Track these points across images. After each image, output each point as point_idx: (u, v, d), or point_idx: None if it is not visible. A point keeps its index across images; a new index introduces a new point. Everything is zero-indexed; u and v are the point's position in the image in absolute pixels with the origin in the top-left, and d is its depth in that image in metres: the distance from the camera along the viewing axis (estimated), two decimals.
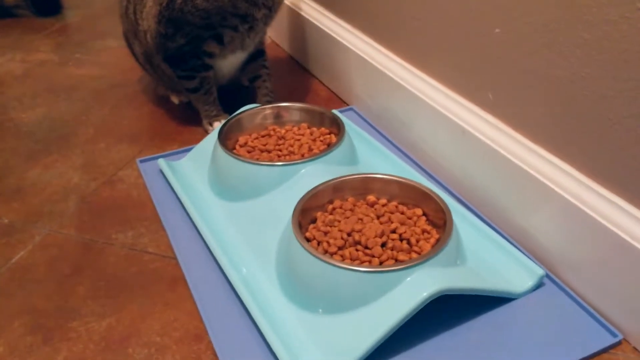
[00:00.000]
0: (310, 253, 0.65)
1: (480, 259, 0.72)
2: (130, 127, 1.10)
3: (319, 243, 0.70)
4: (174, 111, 1.14)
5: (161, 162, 0.93)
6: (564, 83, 0.65)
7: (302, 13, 1.25)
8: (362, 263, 0.66)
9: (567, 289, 0.69)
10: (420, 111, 0.89)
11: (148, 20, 0.97)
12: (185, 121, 1.10)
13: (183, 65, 1.00)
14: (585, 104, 0.63)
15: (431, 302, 0.60)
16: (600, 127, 0.62)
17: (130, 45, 1.11)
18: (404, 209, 0.75)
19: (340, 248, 0.68)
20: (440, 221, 0.71)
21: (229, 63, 1.05)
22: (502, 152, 0.75)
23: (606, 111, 0.61)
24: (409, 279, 0.62)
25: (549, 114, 0.69)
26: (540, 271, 0.70)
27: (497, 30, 0.73)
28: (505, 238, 0.75)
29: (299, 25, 1.27)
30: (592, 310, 0.66)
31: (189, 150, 0.98)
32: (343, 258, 0.67)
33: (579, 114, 0.65)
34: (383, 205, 0.76)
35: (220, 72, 1.06)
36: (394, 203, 0.76)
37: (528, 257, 0.72)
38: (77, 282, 0.75)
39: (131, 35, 1.07)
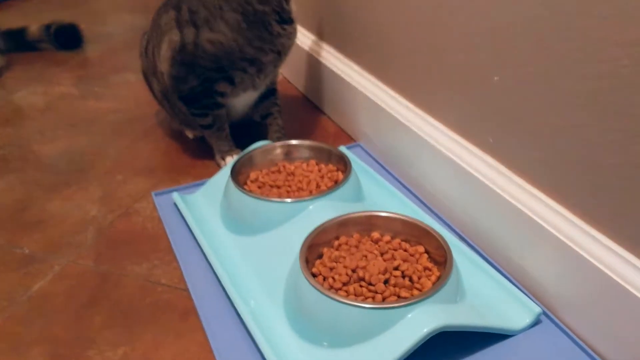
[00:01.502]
0: (316, 289, 0.68)
1: (479, 295, 0.75)
2: (147, 160, 1.15)
3: (324, 278, 0.73)
4: (189, 145, 1.19)
5: (175, 196, 0.97)
6: (559, 130, 0.69)
7: (314, 54, 1.30)
8: (365, 299, 0.70)
9: (564, 326, 0.71)
10: (424, 151, 0.93)
11: (163, 63, 1.03)
12: (199, 155, 1.15)
13: (196, 104, 1.05)
14: (579, 151, 0.67)
15: (431, 337, 0.63)
16: (592, 172, 0.66)
17: (148, 82, 1.16)
18: (407, 246, 0.79)
19: (345, 284, 0.71)
20: (441, 258, 0.75)
21: (241, 101, 1.10)
22: (501, 192, 0.78)
23: (598, 158, 0.64)
24: (410, 315, 0.65)
25: (545, 158, 0.72)
26: (537, 309, 0.72)
27: (496, 78, 0.77)
28: (503, 275, 0.78)
29: (312, 64, 1.32)
30: (588, 350, 0.68)
31: (202, 184, 1.02)
32: (348, 294, 0.70)
33: (573, 160, 0.68)
34: (387, 242, 0.79)
35: (233, 110, 1.11)
36: (398, 240, 0.79)
37: (525, 295, 0.74)
38: (94, 312, 0.78)
39: (150, 73, 1.12)
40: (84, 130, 1.27)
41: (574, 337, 0.70)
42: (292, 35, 1.04)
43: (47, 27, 1.70)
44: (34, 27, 1.71)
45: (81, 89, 1.48)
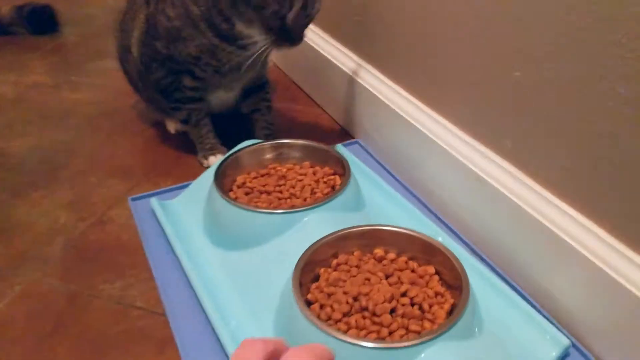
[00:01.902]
0: (312, 323, 0.58)
1: (498, 323, 0.65)
2: (124, 159, 1.04)
3: (321, 306, 0.63)
4: (170, 140, 1.09)
5: (154, 202, 0.87)
6: (593, 137, 0.59)
7: (309, 41, 1.19)
8: (369, 333, 0.60)
9: None
10: (432, 153, 0.83)
11: (133, 46, 0.94)
12: (182, 152, 1.05)
13: (169, 98, 0.95)
14: (616, 162, 0.57)
15: None
16: (631, 187, 0.56)
17: (123, 63, 1.05)
18: (415, 265, 0.69)
19: (345, 314, 0.62)
20: (455, 281, 0.65)
21: (218, 98, 0.99)
22: (521, 204, 0.69)
23: (636, 170, 0.55)
24: (423, 355, 0.56)
25: (575, 168, 0.63)
26: (565, 341, 0.63)
27: (517, 73, 0.67)
28: (525, 299, 0.69)
29: (305, 52, 1.21)
30: None
31: (184, 187, 0.92)
32: (348, 326, 0.61)
33: (609, 172, 0.59)
34: (392, 261, 0.70)
35: (213, 104, 1.00)
36: (404, 258, 0.70)
37: (551, 323, 0.65)
38: (58, 341, 0.69)
39: (126, 50, 1.00)
40: (56, 124, 1.17)
41: None
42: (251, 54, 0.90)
43: (19, 8, 1.58)
44: (5, 9, 1.58)
45: (55, 77, 1.37)
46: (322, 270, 0.69)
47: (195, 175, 0.91)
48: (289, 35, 0.84)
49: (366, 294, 0.64)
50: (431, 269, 0.68)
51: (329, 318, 0.62)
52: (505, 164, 0.72)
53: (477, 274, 0.70)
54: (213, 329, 0.68)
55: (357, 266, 0.69)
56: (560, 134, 0.63)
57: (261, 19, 0.81)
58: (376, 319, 0.61)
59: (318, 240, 0.70)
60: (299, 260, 0.67)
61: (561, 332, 0.64)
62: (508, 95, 0.69)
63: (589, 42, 0.57)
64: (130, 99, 1.22)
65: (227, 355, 0.64)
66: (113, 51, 1.08)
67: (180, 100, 0.95)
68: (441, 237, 0.77)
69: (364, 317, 0.62)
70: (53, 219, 0.90)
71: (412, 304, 0.64)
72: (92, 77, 1.37)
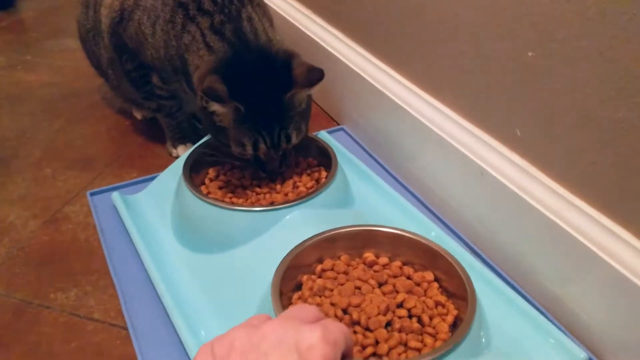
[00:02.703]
0: None
1: (508, 336, 0.58)
2: (84, 148, 0.95)
3: None
4: (137, 128, 0.99)
5: (115, 197, 0.78)
6: (620, 127, 0.52)
7: (286, 15, 1.09)
8: (363, 350, 0.52)
9: None
10: (428, 142, 0.75)
11: (104, 32, 0.84)
12: (149, 140, 0.96)
13: (139, 89, 0.86)
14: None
15: None
16: None
17: (88, 49, 0.94)
18: (411, 271, 0.61)
19: None
20: (457, 289, 0.58)
21: (192, 100, 0.89)
22: (531, 202, 0.61)
23: None
24: None
25: (597, 162, 0.55)
26: (582, 355, 0.56)
27: (530, 53, 0.58)
28: (538, 309, 0.61)
29: (285, 29, 1.11)
30: None
31: (150, 179, 0.83)
32: None
33: (632, 165, 0.51)
34: (384, 266, 0.62)
35: (185, 102, 0.89)
36: (397, 263, 0.62)
37: (566, 336, 0.58)
38: None
39: (97, 35, 0.89)
40: (8, 109, 1.07)
41: None
42: None
43: None
44: None
45: (10, 57, 1.27)
46: (304, 277, 0.60)
47: (163, 166, 0.82)
48: (263, 167, 0.73)
49: (357, 306, 0.56)
50: (430, 275, 0.61)
51: None
52: (514, 156, 0.65)
53: (481, 280, 0.62)
54: (181, 343, 0.59)
55: (345, 272, 0.61)
56: (577, 123, 0.56)
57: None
58: (370, 335, 0.53)
59: (301, 243, 0.61)
60: (279, 266, 0.59)
61: (577, 345, 0.57)
62: (519, 78, 0.61)
63: (617, 20, 0.49)
64: (92, 82, 1.11)
65: None
66: (74, 29, 0.97)
67: (152, 94, 0.85)
68: (434, 232, 0.69)
69: (355, 332, 0.54)
70: (0, 216, 0.79)
71: (410, 316, 0.56)
72: (50, 57, 1.26)
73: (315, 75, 0.68)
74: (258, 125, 0.68)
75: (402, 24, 0.78)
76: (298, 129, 0.71)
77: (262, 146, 0.69)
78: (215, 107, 0.67)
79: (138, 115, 1.00)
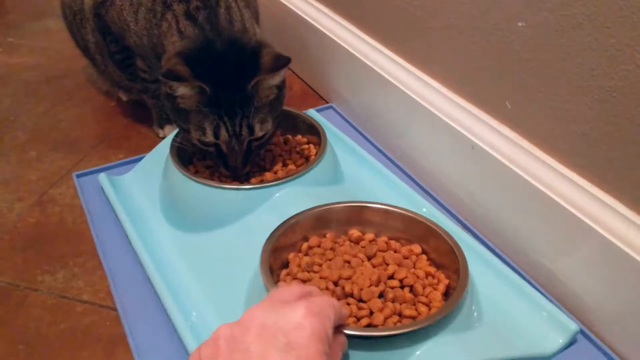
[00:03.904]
0: None
1: (499, 309, 0.58)
2: (69, 130, 0.93)
3: None
4: (122, 110, 0.98)
5: (102, 178, 0.77)
6: (613, 96, 0.51)
7: None
8: (358, 321, 0.52)
9: (605, 348, 0.57)
10: (417, 118, 0.74)
11: (87, 12, 0.82)
12: (135, 122, 0.94)
13: (125, 70, 0.85)
14: (633, 126, 0.49)
15: None
16: None
17: (75, 32, 0.92)
18: (397, 245, 0.61)
19: None
20: (445, 260, 0.58)
21: None
22: (522, 174, 0.61)
23: None
24: (418, 352, 0.48)
25: (589, 133, 0.55)
26: (573, 326, 0.57)
27: (521, 23, 0.57)
28: (528, 282, 0.61)
29: (270, 7, 1.10)
30: None
31: (137, 160, 0.81)
32: None
33: (629, 136, 0.51)
34: (371, 242, 0.61)
35: None
36: (384, 238, 0.62)
37: (558, 308, 0.58)
38: None
39: (84, 19, 0.88)
40: None
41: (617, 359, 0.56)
42: None
43: None
44: None
45: None
46: (291, 255, 0.60)
47: (149, 147, 0.81)
48: (225, 162, 0.69)
49: (348, 278, 0.55)
50: (417, 248, 0.61)
51: None
52: (504, 129, 0.64)
53: (473, 254, 0.62)
54: (171, 324, 0.58)
55: (332, 249, 0.60)
56: (570, 93, 0.55)
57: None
58: (363, 305, 0.53)
59: (291, 218, 0.61)
60: (265, 243, 0.59)
61: (569, 318, 0.57)
62: (509, 49, 0.60)
63: None
64: (76, 63, 1.09)
65: (187, 353, 0.55)
66: (56, 10, 0.95)
67: (135, 76, 0.84)
68: (425, 209, 0.68)
69: (348, 304, 0.53)
70: None
71: (402, 287, 0.56)
72: (32, 39, 1.24)
73: (281, 62, 0.66)
74: (221, 110, 0.65)
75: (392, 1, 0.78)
76: (263, 121, 0.67)
77: (223, 132, 0.66)
78: (180, 89, 0.64)
79: (124, 97, 0.99)
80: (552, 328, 0.57)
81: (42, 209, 0.77)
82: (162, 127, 0.89)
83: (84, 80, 1.07)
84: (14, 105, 1.00)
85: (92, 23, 0.82)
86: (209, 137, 0.66)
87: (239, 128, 0.66)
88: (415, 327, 0.49)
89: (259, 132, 0.67)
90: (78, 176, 0.80)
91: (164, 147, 0.76)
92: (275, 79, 0.67)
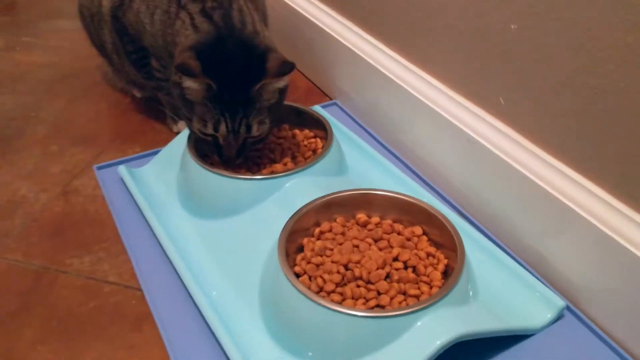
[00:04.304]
0: (304, 294, 0.55)
1: (493, 288, 0.63)
2: (87, 126, 0.98)
3: (311, 278, 0.60)
4: (137, 106, 1.02)
5: (122, 170, 0.82)
6: (595, 93, 0.56)
7: None
8: (367, 302, 0.57)
9: (589, 322, 0.62)
10: (418, 113, 0.80)
11: (104, 14, 0.87)
12: (150, 118, 0.99)
13: (140, 69, 0.90)
14: (620, 119, 0.55)
15: None
16: (635, 146, 0.54)
17: (92, 32, 0.97)
18: (401, 227, 0.66)
19: (338, 284, 0.59)
20: (445, 241, 0.63)
21: None
22: (515, 165, 0.66)
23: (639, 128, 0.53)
24: (419, 323, 0.54)
25: (574, 126, 0.60)
26: (560, 302, 0.62)
27: (513, 26, 0.63)
28: (520, 264, 0.67)
29: (278, 8, 1.15)
30: (616, 346, 0.60)
31: (154, 153, 0.86)
32: (343, 297, 0.57)
33: (611, 129, 0.56)
34: (377, 225, 0.67)
35: None
36: (388, 221, 0.67)
37: (546, 286, 0.64)
38: (24, 322, 0.64)
39: (101, 20, 0.92)
40: (10, 89, 1.09)
41: (601, 333, 0.61)
42: None
43: None
44: None
45: (6, 38, 1.28)
46: (305, 240, 0.65)
47: (164, 141, 0.85)
48: (220, 152, 0.74)
49: (357, 262, 0.60)
50: (418, 230, 0.66)
51: (321, 289, 0.58)
52: (499, 124, 0.69)
53: (468, 238, 0.68)
54: (193, 302, 0.64)
55: (342, 233, 0.65)
56: (558, 90, 0.60)
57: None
58: (372, 287, 0.58)
59: (302, 207, 0.66)
60: (283, 229, 0.63)
61: (557, 295, 0.63)
62: (503, 50, 0.65)
63: None
64: (89, 62, 1.14)
65: (209, 328, 0.60)
66: (68, 10, 1.01)
67: (150, 75, 0.89)
68: (425, 199, 0.74)
69: (358, 286, 0.58)
70: (12, 191, 0.83)
71: (406, 267, 0.61)
72: (46, 38, 1.27)
73: (286, 68, 0.70)
74: (224, 106, 0.70)
75: (395, 3, 0.82)
76: (261, 122, 0.71)
77: (222, 127, 0.70)
78: (188, 82, 0.69)
79: (138, 94, 1.03)
80: (541, 304, 0.62)
81: (67, 199, 0.81)
82: (176, 123, 0.94)
83: (98, 78, 1.11)
84: (33, 101, 1.04)
85: (110, 24, 0.87)
86: (209, 130, 0.71)
87: (238, 126, 0.71)
88: (417, 308, 0.54)
89: (255, 132, 0.72)
90: (98, 168, 0.85)
91: (179, 141, 0.81)
92: (280, 84, 0.71)
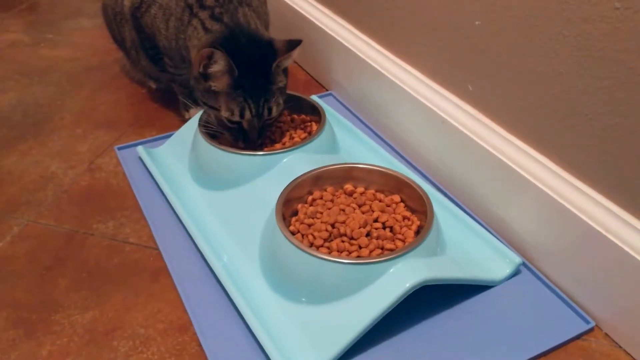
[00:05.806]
0: (297, 246, 0.65)
1: (459, 246, 0.73)
2: (108, 113, 1.08)
3: (303, 236, 0.70)
4: (152, 96, 1.13)
5: (140, 150, 0.92)
6: (543, 78, 0.66)
7: None
8: (350, 254, 0.67)
9: (543, 277, 0.71)
10: (400, 99, 0.90)
11: (126, 14, 0.97)
12: (164, 106, 1.09)
13: (157, 64, 1.00)
14: (563, 99, 0.65)
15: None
16: (576, 121, 0.64)
17: (114, 29, 1.08)
18: (382, 196, 0.76)
19: (326, 240, 0.69)
20: (419, 207, 0.73)
21: None
22: (480, 142, 0.76)
23: (583, 107, 0.62)
24: (392, 270, 0.64)
25: (527, 107, 0.70)
26: (517, 259, 0.72)
27: (477, 22, 0.73)
28: (483, 226, 0.77)
29: (279, 8, 1.26)
30: (566, 298, 0.69)
31: (168, 136, 0.96)
32: (330, 250, 0.68)
33: (557, 109, 0.66)
34: (361, 194, 0.77)
35: None
36: (371, 191, 0.77)
37: (506, 246, 0.74)
38: (58, 274, 0.74)
39: (123, 18, 1.03)
40: (37, 80, 1.19)
41: (553, 287, 0.70)
42: None
43: None
44: None
45: (32, 35, 1.38)
46: (299, 205, 0.75)
47: (177, 126, 0.96)
48: (245, 135, 0.83)
49: (343, 222, 0.71)
50: (397, 198, 0.76)
51: (311, 245, 0.69)
52: (467, 107, 0.80)
53: (439, 205, 0.78)
54: (202, 258, 0.74)
55: (331, 200, 0.76)
56: (516, 76, 0.70)
57: (215, 115, 0.83)
58: (354, 242, 0.68)
59: (297, 178, 0.76)
60: (280, 196, 0.73)
61: (514, 253, 0.73)
62: (469, 43, 0.76)
63: None
64: (108, 57, 1.25)
65: (217, 279, 0.71)
66: (88, 10, 1.10)
67: (165, 69, 1.00)
68: (405, 172, 0.83)
69: (342, 241, 0.69)
70: (43, 167, 0.94)
71: (384, 227, 0.71)
72: (69, 35, 1.38)
73: (294, 43, 0.80)
74: (246, 93, 0.79)
75: (379, 4, 0.93)
76: (278, 104, 0.82)
77: (248, 113, 0.80)
78: (215, 66, 0.77)
79: (153, 85, 1.14)
80: (500, 260, 0.72)
81: (91, 175, 0.92)
82: (187, 110, 1.04)
83: (118, 71, 1.22)
84: (59, 91, 1.15)
85: (130, 23, 0.98)
86: (236, 117, 0.81)
87: (262, 109, 0.81)
88: (390, 257, 0.64)
89: (275, 113, 0.83)
90: (119, 149, 0.96)
91: (190, 125, 0.92)
92: (289, 60, 0.81)
